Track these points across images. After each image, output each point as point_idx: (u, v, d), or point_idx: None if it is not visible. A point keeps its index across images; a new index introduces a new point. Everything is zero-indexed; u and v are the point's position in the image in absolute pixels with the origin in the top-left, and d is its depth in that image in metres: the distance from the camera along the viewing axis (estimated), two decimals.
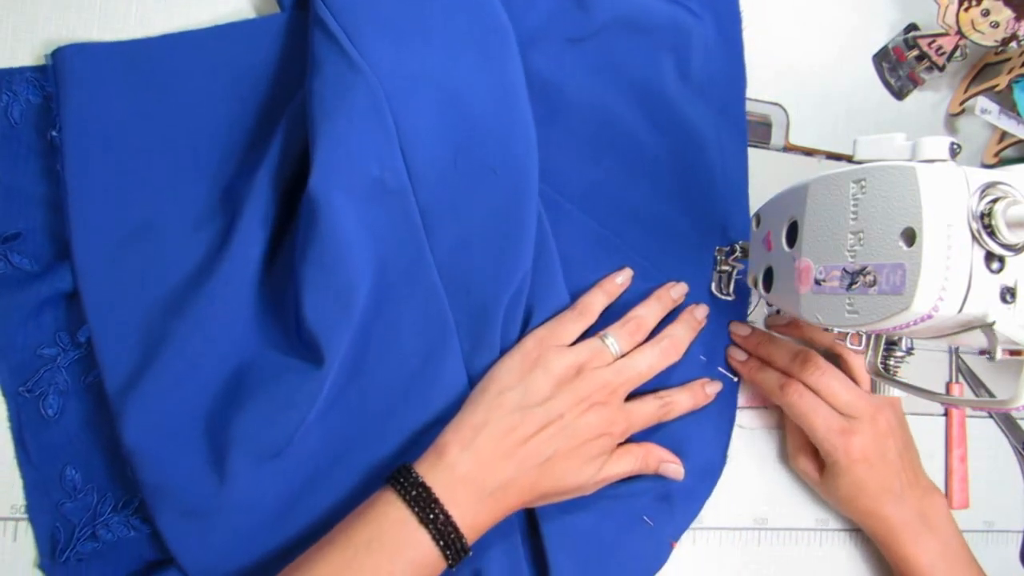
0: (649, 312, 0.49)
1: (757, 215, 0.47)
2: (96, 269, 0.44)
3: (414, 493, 0.40)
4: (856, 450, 0.48)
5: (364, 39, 0.44)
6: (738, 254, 0.51)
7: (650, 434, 0.50)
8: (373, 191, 0.44)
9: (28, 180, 0.46)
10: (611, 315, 0.50)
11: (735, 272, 0.53)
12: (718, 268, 0.53)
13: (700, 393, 0.51)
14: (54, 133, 0.45)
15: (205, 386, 0.44)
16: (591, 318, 0.48)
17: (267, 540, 0.44)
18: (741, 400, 0.55)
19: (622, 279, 0.51)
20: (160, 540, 0.44)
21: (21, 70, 0.46)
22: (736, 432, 0.54)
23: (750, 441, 0.55)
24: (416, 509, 0.40)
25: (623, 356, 0.48)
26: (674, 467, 0.49)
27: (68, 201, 0.44)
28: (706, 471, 0.53)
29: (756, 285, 0.46)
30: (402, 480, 0.41)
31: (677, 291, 0.51)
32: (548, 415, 0.43)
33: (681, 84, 0.54)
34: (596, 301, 0.49)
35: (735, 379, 0.54)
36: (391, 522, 0.40)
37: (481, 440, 0.42)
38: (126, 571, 0.45)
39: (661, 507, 0.50)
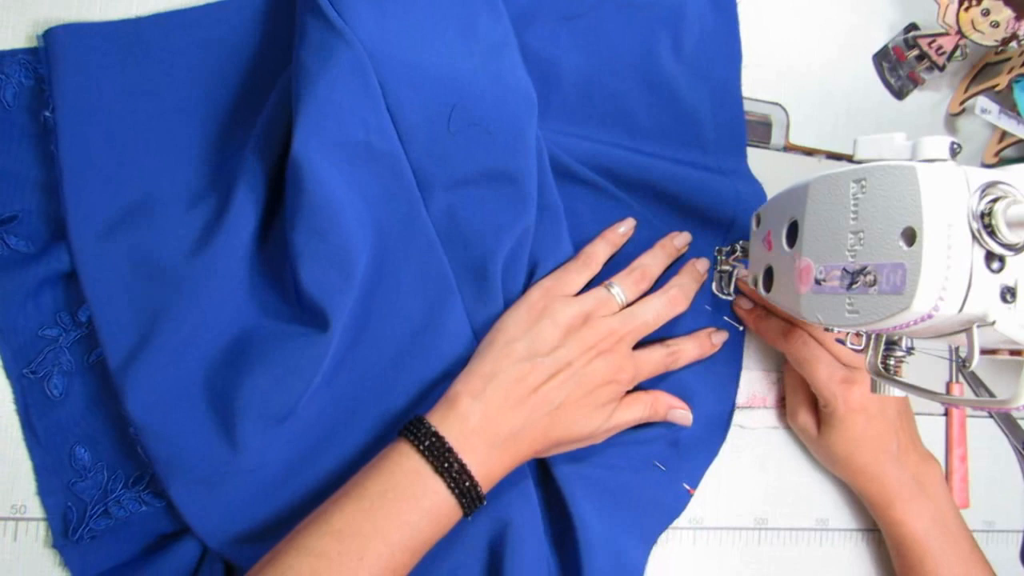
0: (653, 261, 0.50)
1: (757, 215, 0.47)
2: (93, 248, 0.44)
3: (428, 443, 0.40)
4: (855, 399, 0.49)
5: (347, 4, 0.44)
6: (738, 254, 0.51)
7: (657, 383, 0.50)
8: (358, 154, 0.44)
9: (22, 163, 0.46)
10: (615, 266, 0.50)
11: (736, 272, 0.53)
12: (718, 268, 0.53)
13: (706, 342, 0.51)
14: (47, 114, 0.45)
15: (206, 356, 0.44)
16: (595, 267, 0.49)
17: (280, 503, 0.44)
18: (741, 400, 0.55)
19: (625, 228, 0.51)
20: (173, 512, 0.44)
21: (13, 52, 0.46)
22: (736, 432, 0.54)
23: (750, 441, 0.55)
24: (430, 458, 0.40)
25: (629, 305, 0.48)
26: (682, 413, 0.50)
27: (63, 181, 0.44)
28: (715, 420, 0.53)
29: (756, 285, 0.46)
30: (415, 431, 0.41)
31: (680, 240, 0.52)
32: (556, 363, 0.44)
33: (676, 60, 0.54)
34: (599, 250, 0.49)
35: (740, 328, 0.54)
36: (405, 472, 0.40)
37: (491, 390, 0.42)
38: (140, 545, 0.45)
39: (672, 453, 0.51)
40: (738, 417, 0.54)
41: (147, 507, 0.45)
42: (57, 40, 0.45)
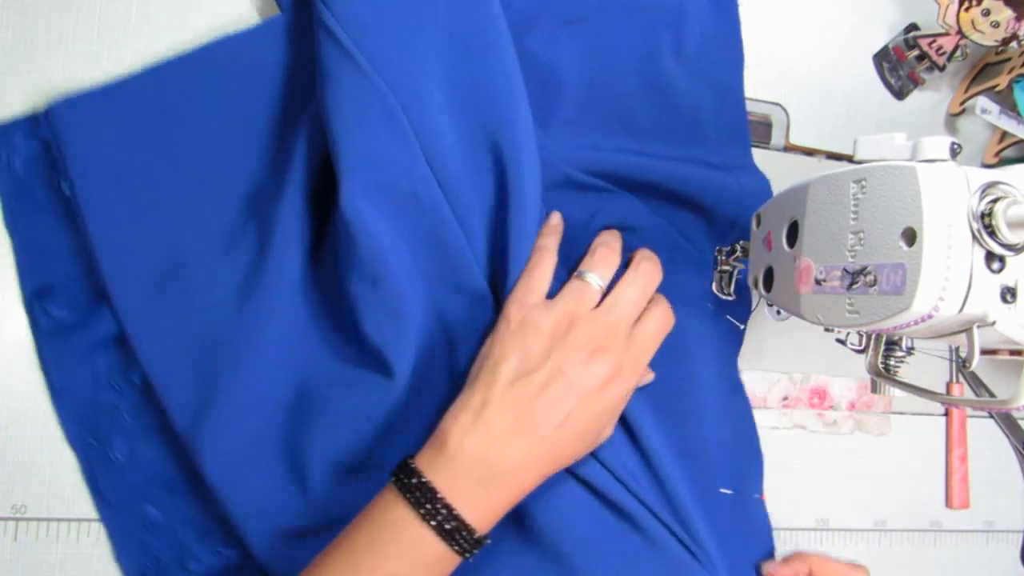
0: (611, 237, 0.47)
1: (757, 215, 0.47)
2: (140, 313, 0.44)
3: (415, 492, 0.38)
4: None
5: (372, 47, 0.43)
6: (738, 254, 0.51)
7: (667, 393, 0.50)
8: (406, 203, 0.44)
9: (47, 231, 0.46)
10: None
11: (736, 272, 0.53)
12: (719, 268, 0.53)
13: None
14: (63, 183, 0.45)
15: (274, 408, 0.44)
16: (552, 257, 0.45)
17: None
18: None
19: (557, 219, 0.48)
20: (248, 559, 0.44)
21: (15, 123, 0.45)
22: None
23: None
24: (416, 506, 0.38)
25: (608, 293, 0.44)
26: (646, 376, 0.48)
27: (96, 254, 0.44)
28: (741, 422, 0.54)
29: (756, 285, 0.46)
30: (402, 477, 0.39)
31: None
32: (549, 374, 0.40)
33: (678, 63, 0.54)
34: (549, 242, 0.46)
35: (742, 327, 0.54)
36: (392, 522, 0.38)
37: (483, 422, 0.39)
38: None
39: (732, 472, 0.51)
40: None
41: (222, 559, 0.45)
42: (61, 114, 0.45)
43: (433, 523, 0.38)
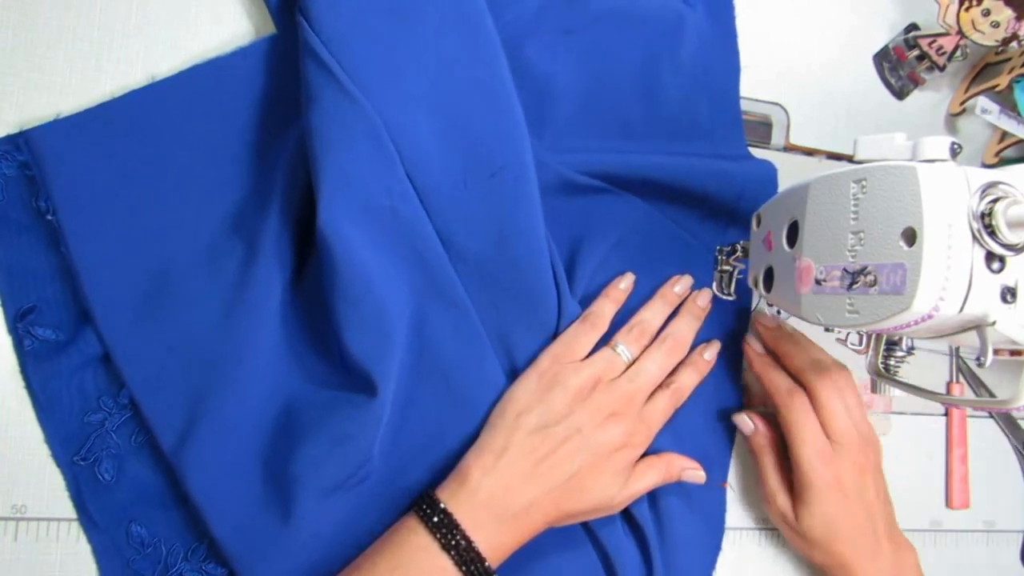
0: (654, 314, 0.50)
1: (757, 215, 0.47)
2: (124, 335, 0.44)
3: (436, 520, 0.41)
4: (832, 474, 0.47)
5: (358, 68, 0.43)
6: (739, 254, 0.51)
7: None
8: (386, 220, 0.44)
9: (28, 253, 0.45)
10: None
11: (736, 272, 0.53)
12: (719, 268, 0.53)
13: (701, 363, 0.50)
14: (41, 203, 0.45)
15: (259, 428, 0.44)
16: (603, 327, 0.48)
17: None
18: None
19: (625, 284, 0.50)
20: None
21: None
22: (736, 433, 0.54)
23: None
24: (438, 535, 0.40)
25: (634, 362, 0.48)
26: (696, 472, 0.49)
27: (80, 277, 0.44)
28: (724, 414, 0.54)
29: (756, 285, 0.46)
30: (425, 507, 0.42)
31: (681, 286, 0.52)
32: (567, 431, 0.44)
33: (674, 72, 0.54)
34: (605, 310, 0.49)
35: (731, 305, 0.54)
36: (414, 548, 0.40)
37: (503, 464, 0.42)
38: None
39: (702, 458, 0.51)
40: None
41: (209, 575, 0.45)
42: (41, 139, 0.45)
43: (452, 552, 0.40)
